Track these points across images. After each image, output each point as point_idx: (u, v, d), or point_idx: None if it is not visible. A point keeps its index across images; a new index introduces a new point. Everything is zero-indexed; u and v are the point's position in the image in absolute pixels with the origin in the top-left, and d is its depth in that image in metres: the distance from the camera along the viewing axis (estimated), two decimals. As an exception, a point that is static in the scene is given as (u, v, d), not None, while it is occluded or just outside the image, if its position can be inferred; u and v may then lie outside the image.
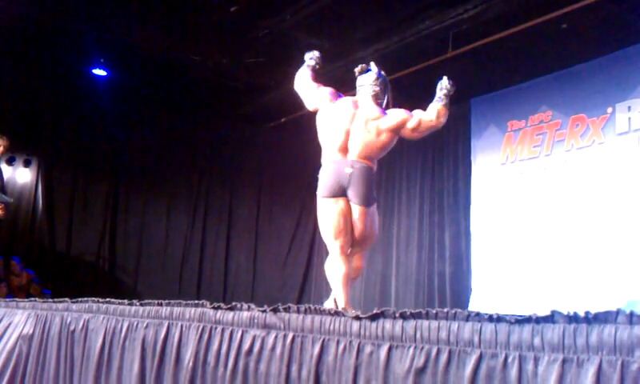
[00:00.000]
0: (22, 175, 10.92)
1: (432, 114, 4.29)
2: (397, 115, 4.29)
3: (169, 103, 11.84)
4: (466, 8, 7.75)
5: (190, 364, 3.26)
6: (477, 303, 9.38)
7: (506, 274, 9.26)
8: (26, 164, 10.89)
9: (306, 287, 12.69)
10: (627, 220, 7.93)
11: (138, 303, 3.98)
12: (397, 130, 4.27)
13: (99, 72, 10.36)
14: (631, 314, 1.72)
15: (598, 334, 1.77)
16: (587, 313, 1.80)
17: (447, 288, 10.10)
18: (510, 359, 1.97)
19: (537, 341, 1.91)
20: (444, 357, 2.15)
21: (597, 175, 8.39)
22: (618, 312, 1.75)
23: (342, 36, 8.95)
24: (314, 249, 12.25)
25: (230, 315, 3.15)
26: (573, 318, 1.84)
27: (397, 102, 4.58)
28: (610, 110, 8.37)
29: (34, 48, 9.93)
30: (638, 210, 7.84)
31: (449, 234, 10.34)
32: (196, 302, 3.48)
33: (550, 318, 1.90)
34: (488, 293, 9.42)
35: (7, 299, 7.04)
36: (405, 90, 9.97)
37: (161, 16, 8.91)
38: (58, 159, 11.16)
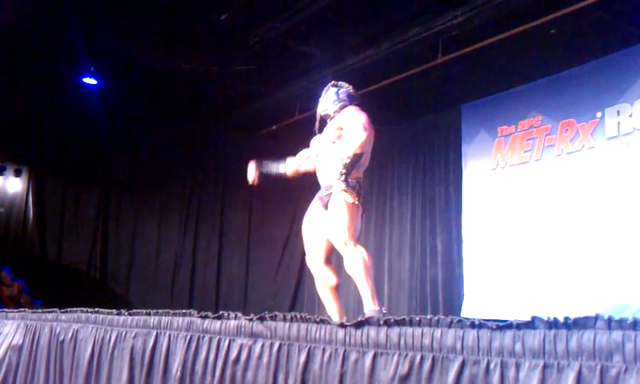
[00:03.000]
0: (12, 185, 10.87)
1: None
2: None
3: (159, 111, 11.82)
4: (456, 14, 7.78)
5: (178, 373, 3.27)
6: (469, 309, 9.39)
7: (499, 280, 9.28)
8: (17, 174, 10.84)
9: (298, 295, 12.69)
10: (618, 224, 7.95)
11: (126, 313, 3.98)
12: None
13: (89, 81, 10.34)
14: (609, 320, 1.73)
15: (578, 339, 1.78)
16: (567, 318, 1.82)
17: (440, 294, 10.11)
18: (492, 365, 1.98)
19: (518, 347, 1.92)
20: (428, 363, 2.16)
21: (587, 180, 8.42)
22: (596, 317, 1.76)
23: (333, 43, 8.97)
24: (307, 256, 12.22)
25: (217, 324, 3.16)
26: (553, 324, 1.85)
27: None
28: (599, 114, 8.41)
29: (25, 57, 9.92)
30: (628, 213, 7.87)
31: (440, 240, 10.36)
32: (184, 311, 3.48)
33: (531, 324, 1.91)
34: (480, 298, 9.44)
35: (-2, 310, 7.03)
36: (395, 97, 10.08)
37: (151, 24, 8.91)
38: (49, 169, 11.11)
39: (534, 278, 8.75)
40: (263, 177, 4.69)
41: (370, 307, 3.90)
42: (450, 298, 9.93)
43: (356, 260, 4.03)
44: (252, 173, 4.71)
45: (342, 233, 4.10)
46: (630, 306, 7.44)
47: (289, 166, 4.72)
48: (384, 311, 3.98)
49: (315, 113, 4.69)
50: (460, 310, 9.52)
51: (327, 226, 4.25)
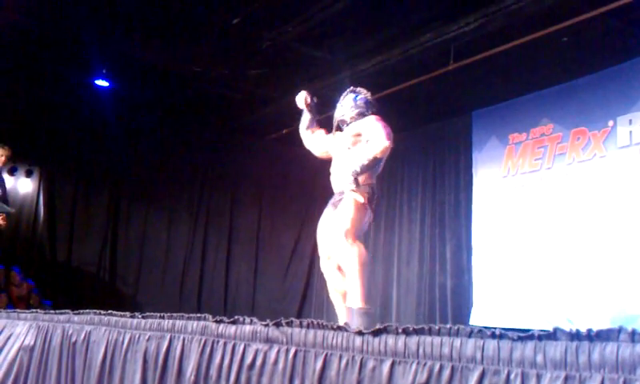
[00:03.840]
0: (23, 185, 10.93)
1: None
2: None
3: (171, 114, 11.86)
4: (468, 21, 7.78)
5: (192, 377, 3.26)
6: (478, 317, 9.37)
7: (508, 288, 9.25)
8: (28, 174, 10.90)
9: (306, 299, 12.68)
10: (629, 234, 7.92)
11: (139, 315, 3.97)
12: None
13: (101, 83, 10.37)
14: (633, 332, 1.72)
15: (600, 351, 1.77)
16: (589, 330, 1.81)
17: (448, 301, 10.08)
18: (512, 376, 1.97)
19: (539, 358, 1.91)
20: (446, 373, 2.15)
21: (598, 188, 8.39)
22: (620, 330, 1.75)
23: (345, 48, 8.98)
24: (315, 260, 12.22)
25: (232, 329, 3.15)
26: (575, 336, 1.84)
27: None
28: (611, 123, 8.39)
29: (37, 59, 9.96)
30: (639, 223, 7.84)
31: (450, 247, 10.33)
32: (198, 315, 3.48)
33: (553, 335, 1.90)
34: (489, 306, 9.41)
35: (8, 310, 7.04)
36: (406, 103, 10.07)
37: (163, 27, 8.94)
38: (60, 169, 11.17)
39: (543, 287, 8.73)
40: (308, 106, 4.83)
41: (357, 305, 3.88)
42: (459, 306, 9.90)
43: (353, 254, 4.01)
44: (305, 97, 4.83)
45: (344, 225, 4.10)
46: (639, 317, 7.40)
47: (308, 129, 4.84)
48: (372, 311, 3.96)
49: (332, 118, 4.70)
50: (468, 317, 9.50)
51: (333, 223, 4.25)
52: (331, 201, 4.43)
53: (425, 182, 11.06)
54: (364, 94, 4.62)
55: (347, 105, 4.56)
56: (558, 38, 7.86)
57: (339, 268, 4.38)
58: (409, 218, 11.21)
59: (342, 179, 4.30)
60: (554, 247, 8.75)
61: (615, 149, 8.31)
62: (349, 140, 4.38)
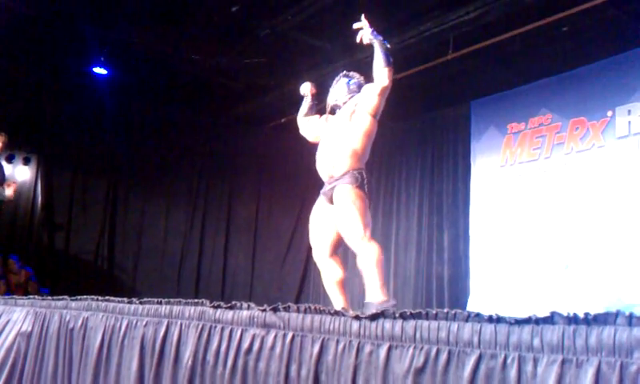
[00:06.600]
0: (21, 173, 10.90)
1: None
2: None
3: (169, 102, 11.83)
4: (467, 10, 7.76)
5: (189, 362, 3.26)
6: (475, 305, 9.38)
7: (505, 277, 9.27)
8: (26, 162, 10.87)
9: (304, 287, 12.69)
10: (627, 223, 7.94)
11: (137, 301, 3.97)
12: None
13: (100, 71, 10.34)
14: (630, 316, 1.73)
15: (597, 335, 1.78)
16: (587, 314, 1.81)
17: (445, 290, 10.11)
18: (509, 360, 1.97)
19: (536, 342, 1.91)
20: (443, 357, 2.15)
21: (596, 178, 8.40)
22: (617, 314, 1.76)
23: (343, 37, 8.94)
24: (313, 249, 12.22)
25: (229, 314, 3.15)
26: (572, 320, 1.84)
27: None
28: (610, 113, 8.38)
29: (35, 46, 9.93)
30: (637, 213, 7.85)
31: (447, 236, 10.34)
32: (196, 300, 3.48)
33: (550, 319, 1.90)
34: (486, 295, 9.43)
35: (6, 296, 7.04)
36: (405, 92, 10.05)
37: (162, 15, 8.91)
38: (58, 157, 11.14)
39: (540, 276, 8.74)
40: (313, 96, 4.87)
41: (379, 299, 3.85)
42: (456, 295, 9.92)
43: (371, 254, 3.98)
44: (311, 87, 4.86)
45: (358, 230, 4.05)
46: (636, 306, 7.42)
47: (306, 116, 4.84)
48: (393, 302, 3.91)
49: (325, 103, 4.68)
50: (466, 306, 9.51)
51: (339, 223, 4.20)
52: (322, 190, 4.40)
53: (423, 171, 11.06)
54: (357, 78, 4.61)
55: (340, 89, 4.55)
56: (558, 27, 7.85)
57: (333, 257, 4.35)
58: (407, 206, 11.22)
59: (331, 164, 4.27)
60: (552, 236, 8.76)
61: (614, 139, 8.31)
62: (345, 118, 4.36)
